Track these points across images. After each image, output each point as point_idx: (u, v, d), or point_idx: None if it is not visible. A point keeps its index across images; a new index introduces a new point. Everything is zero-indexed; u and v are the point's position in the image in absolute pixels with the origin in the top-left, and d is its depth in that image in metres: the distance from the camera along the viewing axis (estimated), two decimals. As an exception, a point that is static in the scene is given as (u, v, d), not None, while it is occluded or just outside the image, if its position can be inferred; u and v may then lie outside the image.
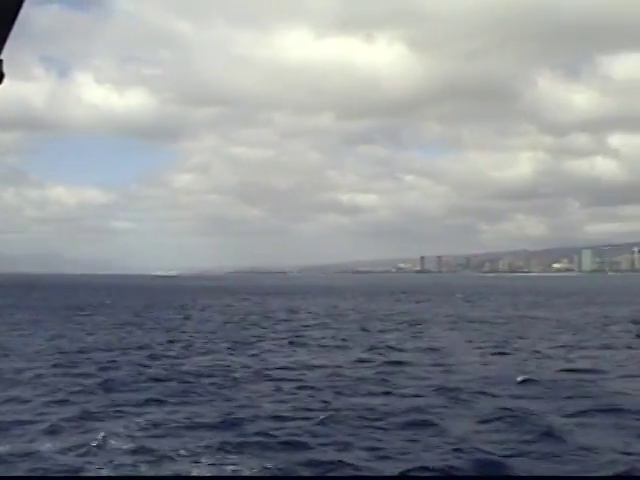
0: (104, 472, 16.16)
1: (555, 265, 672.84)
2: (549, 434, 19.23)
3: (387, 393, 25.91)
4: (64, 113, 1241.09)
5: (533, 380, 28.26)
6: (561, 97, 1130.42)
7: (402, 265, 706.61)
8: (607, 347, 40.60)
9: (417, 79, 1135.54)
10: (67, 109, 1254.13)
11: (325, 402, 24.04)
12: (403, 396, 25.37)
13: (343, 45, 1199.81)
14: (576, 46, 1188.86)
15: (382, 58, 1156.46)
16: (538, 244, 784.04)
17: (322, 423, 20.86)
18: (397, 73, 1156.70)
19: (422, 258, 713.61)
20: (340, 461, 16.96)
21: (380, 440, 18.99)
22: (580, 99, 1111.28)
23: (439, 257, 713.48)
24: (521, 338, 45.63)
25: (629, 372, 30.60)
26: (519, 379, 28.33)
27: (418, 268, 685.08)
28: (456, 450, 17.84)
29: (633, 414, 21.69)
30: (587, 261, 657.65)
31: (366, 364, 33.58)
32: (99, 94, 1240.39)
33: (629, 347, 40.71)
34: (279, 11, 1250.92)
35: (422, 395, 25.54)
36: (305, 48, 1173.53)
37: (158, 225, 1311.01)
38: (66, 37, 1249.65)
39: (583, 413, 22.06)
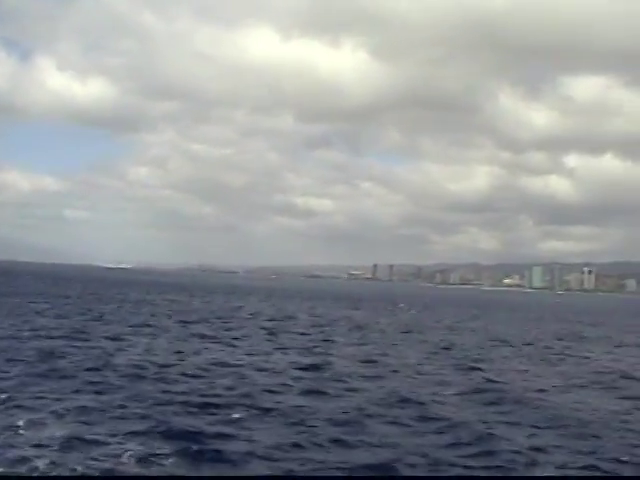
0: (27, 454, 16.85)
1: (505, 280, 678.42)
2: (471, 438, 20.57)
3: (314, 393, 26.92)
4: (22, 97, 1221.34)
5: (452, 389, 29.55)
6: (520, 114, 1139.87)
7: (354, 272, 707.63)
8: (531, 362, 41.98)
9: (378, 86, 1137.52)
10: (26, 93, 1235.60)
11: (250, 397, 25.03)
12: (329, 397, 26.45)
13: (306, 48, 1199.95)
14: (539, 64, 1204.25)
15: (345, 63, 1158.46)
16: (490, 258, 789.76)
17: (243, 419, 21.86)
18: (359, 79, 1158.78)
19: (374, 266, 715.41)
20: (255, 454, 17.99)
21: (294, 438, 19.94)
22: (539, 117, 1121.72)
23: (391, 266, 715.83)
24: (449, 349, 46.88)
25: (540, 386, 31.88)
26: (442, 388, 29.59)
27: (369, 275, 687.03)
28: (376, 451, 19.01)
29: (533, 426, 22.98)
30: (537, 278, 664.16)
31: (297, 364, 34.54)
32: (59, 80, 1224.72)
33: (553, 364, 41.95)
34: (245, 9, 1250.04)
35: (346, 396, 26.65)
36: (269, 48, 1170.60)
37: (112, 216, 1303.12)
38: (30, 20, 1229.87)
39: (502, 422, 23.29)
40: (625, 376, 36.38)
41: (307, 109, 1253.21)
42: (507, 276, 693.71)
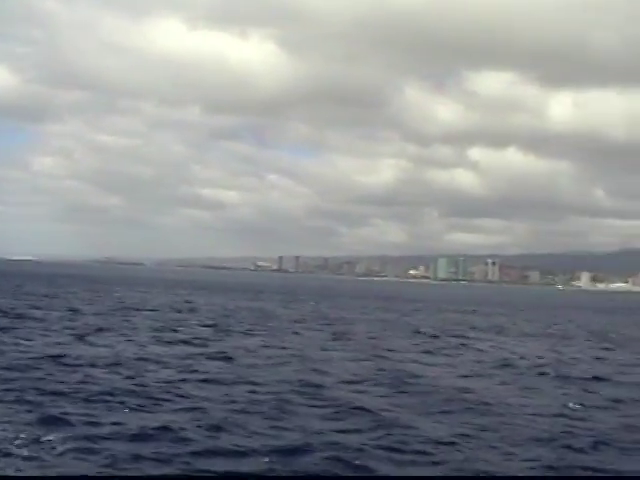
0: None
1: (411, 272, 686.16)
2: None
3: (208, 382, 27.75)
4: None
5: (341, 376, 30.86)
6: (427, 108, 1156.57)
7: (260, 263, 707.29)
8: (421, 350, 43.69)
9: (287, 80, 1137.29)
10: None
11: (144, 387, 25.73)
12: (223, 385, 27.32)
13: (215, 39, 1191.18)
14: (444, 60, 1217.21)
15: (253, 56, 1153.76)
16: (396, 250, 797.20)
17: (134, 407, 22.56)
18: (267, 72, 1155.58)
19: (280, 258, 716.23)
20: (142, 438, 18.75)
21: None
22: (445, 111, 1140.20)
23: (297, 257, 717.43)
24: (341, 339, 48.21)
25: (428, 373, 33.39)
26: (331, 377, 30.85)
27: (276, 267, 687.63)
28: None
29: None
30: (442, 270, 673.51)
31: (194, 355, 35.23)
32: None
33: (441, 353, 43.53)
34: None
35: (239, 384, 27.62)
36: (176, 39, 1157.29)
37: (15, 208, 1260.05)
38: None
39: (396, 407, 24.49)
40: (506, 364, 38.20)
41: (214, 101, 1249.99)
42: (413, 268, 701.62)
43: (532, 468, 17.74)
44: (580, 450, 19.38)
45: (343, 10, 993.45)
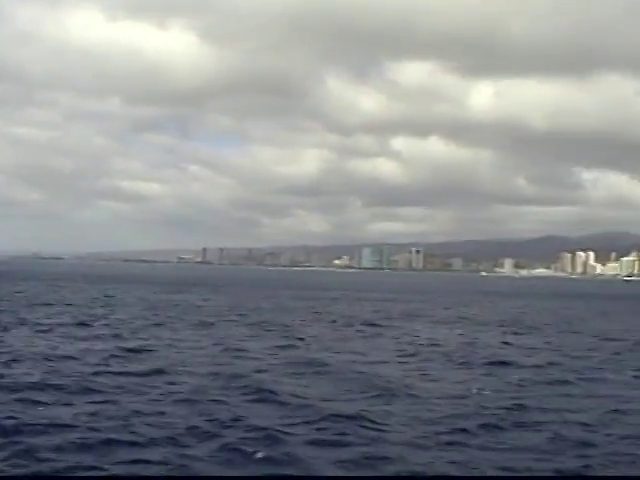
0: None
1: (336, 261, 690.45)
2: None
3: (125, 374, 28.08)
4: None
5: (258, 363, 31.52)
6: (349, 98, 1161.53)
7: (184, 256, 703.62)
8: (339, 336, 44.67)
9: (208, 70, 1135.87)
10: None
11: (62, 382, 25.94)
12: (140, 377, 27.71)
13: (133, 30, 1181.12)
14: (365, 50, 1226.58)
15: (173, 46, 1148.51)
16: (320, 240, 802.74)
17: (50, 402, 22.82)
18: (187, 63, 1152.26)
19: (204, 249, 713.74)
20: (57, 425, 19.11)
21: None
22: (367, 101, 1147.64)
23: (221, 249, 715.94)
24: (253, 330, 48.84)
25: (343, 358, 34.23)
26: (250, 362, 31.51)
27: (200, 259, 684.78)
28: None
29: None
30: (366, 259, 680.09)
31: (111, 350, 35.19)
32: None
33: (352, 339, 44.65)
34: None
35: (152, 374, 28.15)
36: (94, 29, 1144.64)
37: None
38: None
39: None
40: (416, 351, 39.39)
41: (134, 92, 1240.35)
42: (337, 257, 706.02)
43: (424, 445, 18.86)
44: (470, 431, 20.39)
45: (264, 2, 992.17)
